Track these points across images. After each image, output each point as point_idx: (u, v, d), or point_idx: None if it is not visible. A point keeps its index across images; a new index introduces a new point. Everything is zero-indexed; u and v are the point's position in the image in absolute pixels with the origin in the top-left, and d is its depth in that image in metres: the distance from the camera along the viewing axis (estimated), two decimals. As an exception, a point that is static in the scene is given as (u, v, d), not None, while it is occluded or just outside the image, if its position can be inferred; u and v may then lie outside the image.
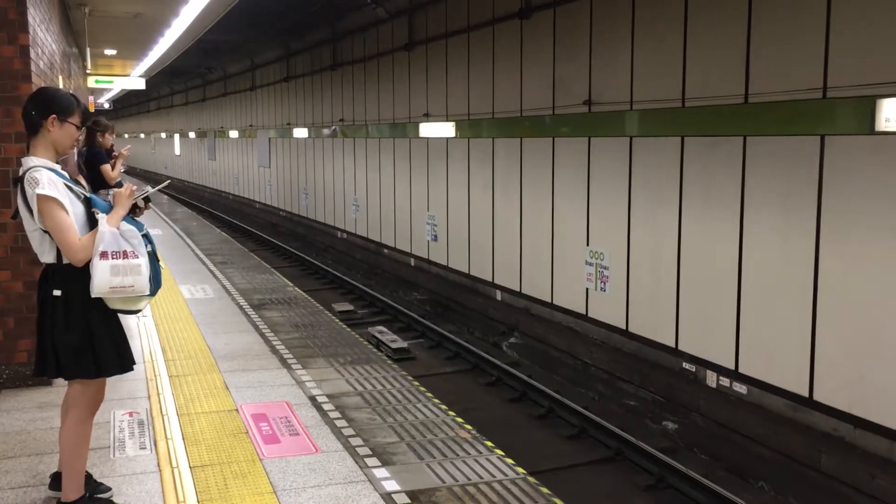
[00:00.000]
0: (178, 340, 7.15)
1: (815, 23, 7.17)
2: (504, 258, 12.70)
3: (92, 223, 3.55)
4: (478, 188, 13.40)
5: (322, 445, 4.74)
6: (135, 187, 3.74)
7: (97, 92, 24.78)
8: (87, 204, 3.58)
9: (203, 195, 36.46)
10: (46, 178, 3.43)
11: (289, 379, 6.09)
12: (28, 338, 5.41)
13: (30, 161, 3.52)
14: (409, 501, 4.07)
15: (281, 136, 25.05)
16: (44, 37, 6.65)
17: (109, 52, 17.37)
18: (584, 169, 10.55)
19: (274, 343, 7.20)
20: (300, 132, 22.48)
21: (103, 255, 3.44)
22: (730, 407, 8.19)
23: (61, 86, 8.56)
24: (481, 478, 4.41)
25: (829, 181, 7.20)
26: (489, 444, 4.97)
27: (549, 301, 11.50)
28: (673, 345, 9.13)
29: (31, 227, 3.52)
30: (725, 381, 8.39)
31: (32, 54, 5.53)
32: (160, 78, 29.53)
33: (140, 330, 7.39)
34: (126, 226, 3.56)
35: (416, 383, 6.25)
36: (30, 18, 5.49)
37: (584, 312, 10.73)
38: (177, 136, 42.34)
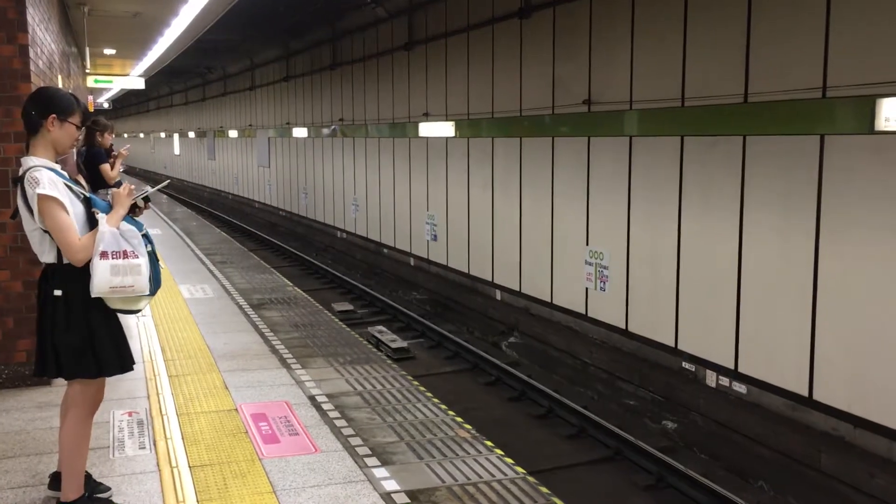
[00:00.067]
0: (177, 340, 7.15)
1: (815, 22, 7.17)
2: (504, 258, 12.70)
3: (92, 223, 3.55)
4: (477, 188, 13.40)
5: (321, 445, 4.74)
6: (133, 187, 3.74)
7: (96, 91, 24.78)
8: (87, 204, 3.58)
9: (202, 195, 36.46)
10: (47, 177, 3.43)
11: (288, 379, 6.09)
12: (27, 337, 5.41)
13: (30, 161, 3.52)
14: (408, 501, 4.07)
15: (280, 136, 25.05)
16: (43, 36, 6.64)
17: (109, 51, 17.36)
18: (583, 168, 10.55)
19: (273, 343, 7.19)
20: (300, 132, 22.48)
21: (103, 254, 3.44)
22: (729, 406, 8.19)
23: (60, 85, 8.56)
24: (481, 477, 4.41)
25: (828, 181, 7.20)
26: (489, 443, 4.97)
27: (549, 301, 11.50)
28: (672, 344, 9.13)
29: (30, 226, 3.52)
30: (725, 381, 8.39)
31: (32, 54, 5.52)
32: (159, 77, 29.52)
33: (139, 330, 7.38)
34: (126, 226, 3.57)
35: (416, 383, 6.25)
36: (29, 18, 5.49)
37: (583, 312, 10.73)
38: (176, 136, 42.34)
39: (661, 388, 9.05)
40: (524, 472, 4.58)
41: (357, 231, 19.29)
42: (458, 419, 5.40)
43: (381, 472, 4.38)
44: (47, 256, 3.54)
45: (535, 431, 8.64)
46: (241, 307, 8.74)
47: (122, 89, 29.22)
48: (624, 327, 9.94)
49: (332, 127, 20.10)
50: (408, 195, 16.24)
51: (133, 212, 3.72)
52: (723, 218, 8.34)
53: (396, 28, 15.93)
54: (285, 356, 6.73)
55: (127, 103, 52.38)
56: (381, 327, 12.02)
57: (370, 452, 4.67)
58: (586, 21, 10.27)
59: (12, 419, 5.01)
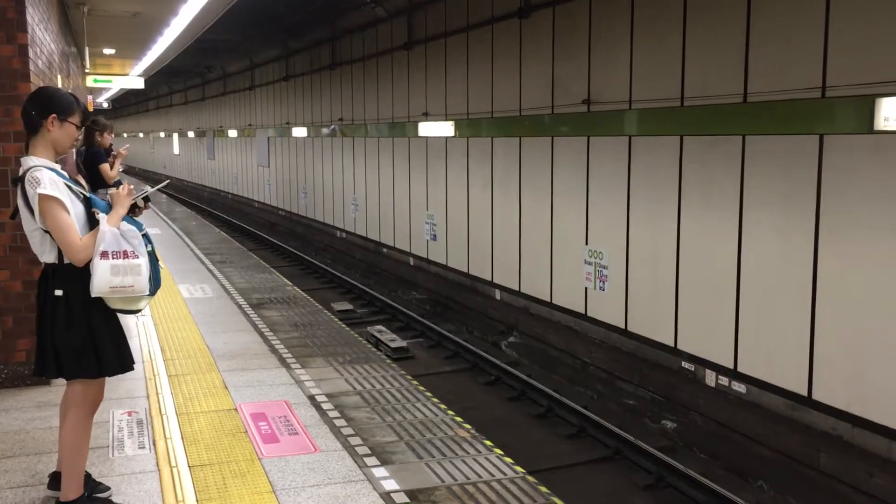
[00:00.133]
0: (176, 340, 7.15)
1: (815, 22, 7.17)
2: (503, 257, 12.70)
3: (92, 223, 3.55)
4: (477, 187, 13.40)
5: (321, 445, 4.74)
6: (132, 187, 3.74)
7: (96, 91, 24.76)
8: (87, 204, 3.58)
9: (202, 194, 36.46)
10: (48, 177, 3.43)
11: (288, 378, 6.09)
12: (27, 337, 5.41)
13: (30, 161, 3.52)
14: (408, 501, 4.07)
15: (280, 136, 25.05)
16: (42, 36, 6.64)
17: (108, 51, 17.34)
18: (583, 168, 10.55)
19: (273, 342, 7.19)
20: (299, 131, 22.47)
21: (104, 254, 3.45)
22: (729, 406, 8.20)
23: (60, 85, 8.56)
24: (480, 477, 4.41)
25: (828, 180, 7.20)
26: (488, 443, 4.97)
27: (548, 300, 11.50)
28: (672, 344, 9.13)
29: (31, 226, 3.52)
30: (724, 380, 8.39)
31: (31, 53, 5.52)
32: (159, 77, 29.50)
33: (139, 329, 7.38)
34: (126, 226, 3.57)
35: (415, 382, 6.25)
36: (28, 17, 5.49)
37: (583, 312, 10.73)
38: (176, 136, 42.33)
39: (660, 388, 9.05)
40: (524, 471, 4.58)
41: (356, 231, 19.29)
42: (458, 419, 5.40)
43: (380, 472, 4.39)
44: (48, 256, 3.54)
45: (535, 431, 8.64)
46: (240, 307, 8.74)
47: (121, 89, 29.22)
48: (623, 327, 9.94)
49: (332, 126, 20.10)
50: (407, 195, 16.24)
51: (133, 212, 3.72)
52: (722, 217, 8.34)
53: (396, 28, 15.93)
54: (285, 356, 6.74)
55: (126, 103, 52.37)
56: (380, 327, 12.02)
57: (370, 452, 4.67)
58: (586, 21, 10.27)
59: (11, 419, 5.01)
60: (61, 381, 3.82)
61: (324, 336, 7.57)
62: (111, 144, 8.46)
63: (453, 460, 4.62)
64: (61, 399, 3.81)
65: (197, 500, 3.96)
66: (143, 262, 3.54)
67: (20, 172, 3.51)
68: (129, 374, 3.96)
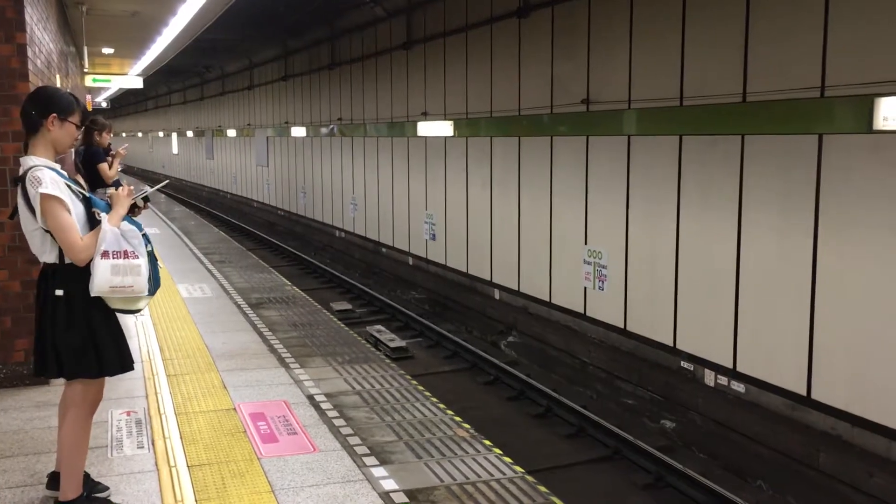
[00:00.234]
0: (175, 339, 7.14)
1: (814, 21, 7.17)
2: (502, 257, 12.70)
3: (92, 223, 3.56)
4: (476, 187, 13.40)
5: (320, 444, 4.74)
6: (132, 187, 3.74)
7: (95, 91, 24.73)
8: (87, 204, 3.58)
9: (201, 194, 36.44)
10: (49, 177, 3.43)
11: (287, 378, 6.08)
12: (25, 337, 5.41)
13: (30, 160, 3.52)
14: (407, 500, 4.07)
15: (279, 135, 25.04)
16: (41, 35, 6.63)
17: (107, 50, 17.32)
18: (582, 168, 10.55)
19: (272, 342, 7.19)
20: (298, 131, 22.46)
21: (104, 254, 3.45)
22: (728, 405, 8.20)
23: (59, 84, 8.55)
24: (479, 477, 4.40)
25: (827, 180, 7.20)
26: (487, 442, 4.97)
27: (548, 300, 11.50)
28: (671, 343, 9.13)
29: (31, 226, 3.51)
30: (723, 380, 8.39)
31: (30, 53, 5.52)
32: (158, 77, 29.48)
33: (138, 329, 7.38)
34: (127, 226, 3.57)
35: (415, 382, 6.25)
36: (27, 17, 5.48)
37: (582, 311, 10.73)
38: (174, 135, 42.31)
39: (659, 388, 9.05)
40: (523, 471, 4.58)
41: (356, 230, 19.28)
42: (457, 418, 5.40)
43: (379, 472, 4.38)
44: (48, 256, 3.54)
45: (534, 431, 8.64)
46: (239, 306, 8.73)
47: (120, 88, 29.18)
48: (622, 326, 9.94)
49: (331, 126, 20.09)
50: (406, 194, 16.23)
51: (132, 211, 3.72)
52: (721, 217, 8.34)
53: (395, 27, 15.92)
54: (284, 355, 6.73)
55: (125, 102, 52.34)
56: (379, 326, 12.01)
57: (369, 452, 4.67)
58: (585, 20, 10.27)
59: (10, 418, 5.00)
60: (60, 381, 3.82)
61: (323, 336, 7.56)
62: (110, 144, 8.45)
63: (452, 460, 4.62)
64: (60, 399, 3.81)
65: (196, 500, 3.96)
66: (143, 262, 3.54)
67: (20, 172, 3.51)
68: (128, 374, 3.95)
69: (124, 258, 3.48)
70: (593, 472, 7.66)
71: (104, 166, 7.97)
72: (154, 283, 3.62)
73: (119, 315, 3.73)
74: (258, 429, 4.94)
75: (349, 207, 19.65)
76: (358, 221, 19.10)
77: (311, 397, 5.62)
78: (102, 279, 3.45)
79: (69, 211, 3.44)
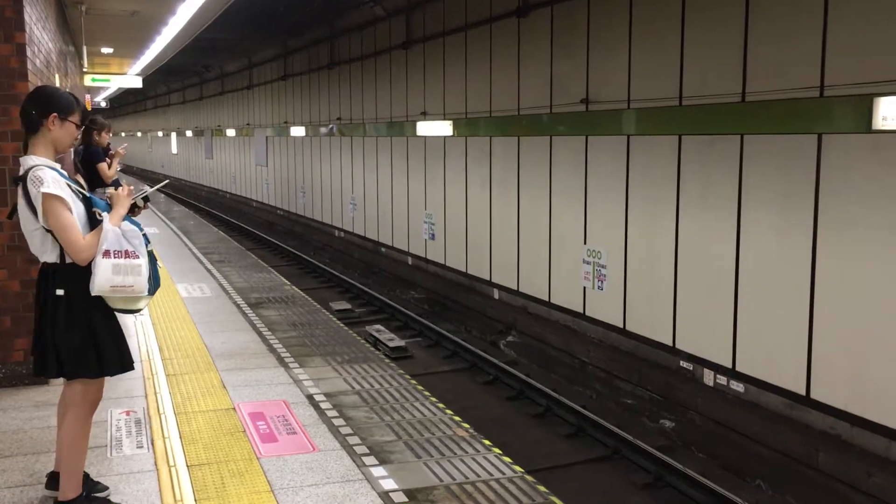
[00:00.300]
0: (175, 339, 7.14)
1: (813, 21, 7.17)
2: (501, 257, 12.70)
3: (92, 222, 3.56)
4: (475, 187, 13.40)
5: (319, 444, 4.74)
6: (132, 187, 3.75)
7: (94, 90, 24.72)
8: (87, 203, 3.58)
9: (200, 194, 36.43)
10: (51, 176, 3.43)
11: (286, 378, 6.08)
12: (24, 337, 5.40)
13: (30, 160, 3.52)
14: (406, 500, 4.07)
15: (278, 135, 25.03)
16: (40, 35, 6.63)
17: (106, 50, 17.31)
18: (581, 167, 10.56)
19: (271, 342, 7.19)
20: (297, 131, 22.46)
21: (106, 253, 3.45)
22: (727, 405, 8.20)
23: (58, 84, 8.55)
24: (479, 476, 4.40)
25: (826, 180, 7.21)
26: (487, 442, 4.97)
27: (547, 300, 11.50)
28: (670, 343, 9.14)
29: (32, 226, 3.51)
30: (723, 380, 8.39)
31: (29, 52, 5.51)
32: (157, 76, 29.47)
33: (137, 328, 7.38)
34: (128, 225, 3.58)
35: (414, 382, 6.25)
36: (26, 17, 5.48)
37: (581, 311, 10.74)
38: (174, 135, 42.30)
39: (658, 387, 9.05)
40: (522, 470, 4.58)
41: (355, 230, 19.28)
42: (456, 418, 5.40)
43: (378, 471, 4.38)
44: (49, 256, 3.53)
45: (534, 430, 8.65)
46: (238, 306, 8.73)
47: (119, 88, 29.18)
48: (622, 326, 9.95)
49: (330, 126, 20.09)
50: (406, 194, 16.23)
51: (132, 211, 3.73)
52: (721, 217, 8.34)
53: (394, 27, 15.92)
54: (283, 355, 6.73)
55: (124, 102, 52.32)
56: (378, 326, 12.01)
57: (368, 451, 4.67)
58: (584, 20, 10.27)
59: (9, 418, 5.00)
60: (59, 381, 3.82)
61: (322, 335, 7.56)
62: (109, 143, 8.45)
63: (452, 459, 4.62)
64: (59, 399, 3.81)
65: (195, 500, 3.96)
66: (144, 262, 3.55)
67: (21, 172, 3.51)
68: (127, 374, 3.95)
69: (125, 258, 3.48)
70: (593, 471, 7.66)
71: (103, 166, 7.97)
72: (154, 282, 3.63)
73: (118, 315, 3.73)
74: (257, 428, 4.94)
75: (348, 207, 19.65)
76: (357, 221, 19.10)
77: (310, 397, 5.62)
78: (104, 278, 3.45)
79: (71, 210, 3.44)
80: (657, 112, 9.07)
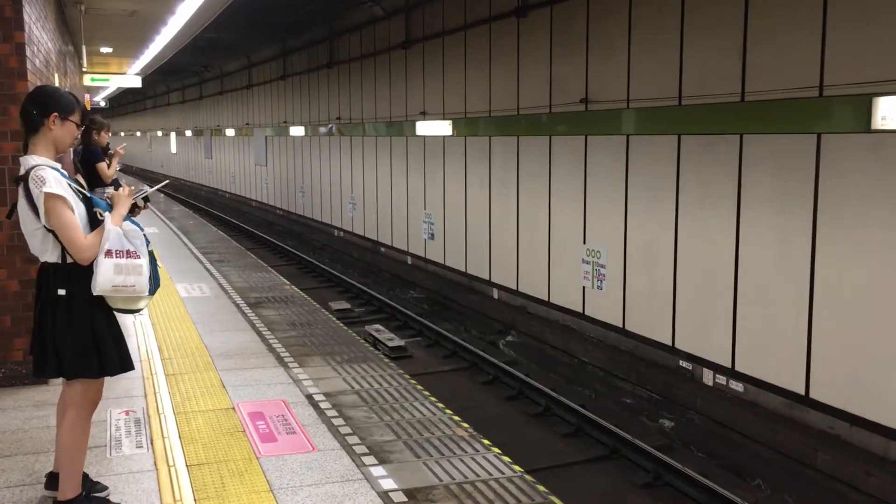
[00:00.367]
0: (174, 339, 7.14)
1: (812, 21, 7.18)
2: (501, 256, 12.70)
3: (93, 222, 3.56)
4: (475, 186, 13.40)
5: (319, 444, 4.74)
6: (132, 188, 3.75)
7: (93, 90, 24.73)
8: (88, 203, 3.59)
9: (199, 193, 36.42)
10: (53, 176, 3.44)
11: (286, 377, 6.08)
12: (24, 336, 5.40)
13: (31, 160, 3.52)
14: (406, 500, 4.07)
15: (277, 135, 25.03)
16: (39, 34, 6.63)
17: (105, 49, 17.30)
18: (580, 167, 10.56)
19: (271, 341, 7.19)
20: (297, 130, 22.46)
21: (108, 253, 3.46)
22: (726, 405, 8.20)
23: (57, 84, 8.54)
24: (478, 476, 4.41)
25: (825, 179, 7.21)
26: (486, 442, 4.97)
27: (546, 299, 11.50)
28: (670, 343, 9.14)
29: (33, 226, 3.51)
30: (722, 379, 8.40)
31: (28, 52, 5.51)
32: (156, 76, 29.47)
33: (136, 328, 7.38)
34: (129, 225, 3.59)
35: (413, 381, 6.25)
36: (25, 16, 5.48)
37: (580, 311, 10.74)
38: (173, 135, 42.29)
39: (658, 387, 9.05)
40: (521, 470, 4.58)
41: (354, 230, 19.28)
42: (456, 418, 5.40)
43: (378, 471, 4.39)
44: (50, 256, 3.53)
45: (533, 430, 8.65)
46: (238, 306, 8.73)
47: (118, 88, 29.17)
48: (621, 326, 9.95)
49: (330, 125, 20.09)
50: (405, 194, 16.23)
51: (132, 211, 3.73)
52: (720, 217, 8.35)
53: (394, 26, 15.92)
54: (283, 355, 6.73)
55: (124, 101, 52.31)
56: (378, 326, 12.02)
57: (367, 451, 4.67)
58: (583, 20, 10.27)
59: (9, 418, 5.00)
60: (58, 381, 3.82)
61: (321, 335, 7.56)
62: (108, 143, 8.45)
63: (451, 459, 4.63)
64: (58, 398, 3.81)
65: (195, 500, 3.96)
66: (145, 262, 3.55)
67: (22, 172, 3.51)
68: (126, 374, 3.95)
69: (127, 257, 3.49)
70: (592, 471, 7.66)
71: (103, 165, 7.97)
72: (154, 282, 3.63)
73: (118, 315, 3.73)
74: (257, 428, 4.95)
75: (348, 207, 19.65)
76: (357, 221, 19.10)
77: (309, 396, 5.62)
78: (105, 278, 3.45)
79: (73, 210, 3.45)
80: (656, 112, 9.07)
